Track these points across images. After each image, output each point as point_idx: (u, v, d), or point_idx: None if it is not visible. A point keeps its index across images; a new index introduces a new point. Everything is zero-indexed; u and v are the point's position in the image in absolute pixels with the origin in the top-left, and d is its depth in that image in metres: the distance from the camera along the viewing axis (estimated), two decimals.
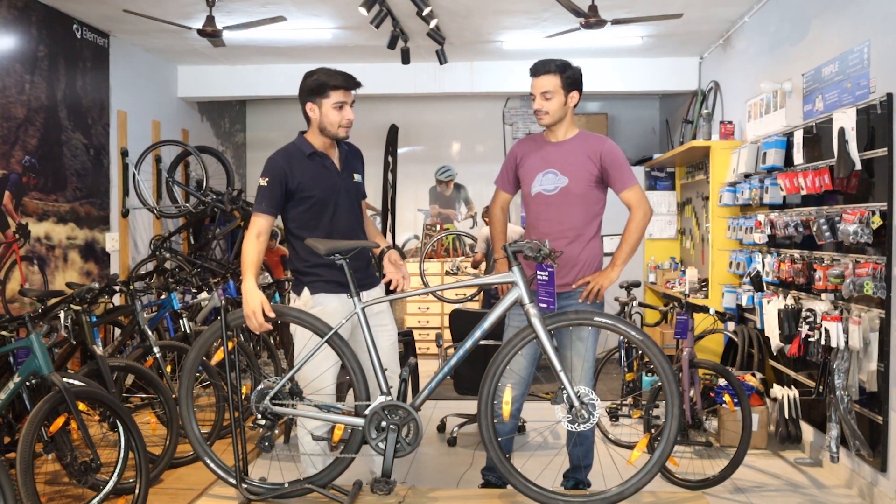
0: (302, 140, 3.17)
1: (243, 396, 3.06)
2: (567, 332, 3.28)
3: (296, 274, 3.22)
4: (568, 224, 3.34)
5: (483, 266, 6.39)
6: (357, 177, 3.26)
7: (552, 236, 3.24)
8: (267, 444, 2.91)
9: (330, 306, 3.09)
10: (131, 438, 3.35)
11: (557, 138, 3.41)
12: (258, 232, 3.04)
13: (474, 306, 6.69)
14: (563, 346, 3.30)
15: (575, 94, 3.34)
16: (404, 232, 8.91)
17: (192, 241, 7.18)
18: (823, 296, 3.98)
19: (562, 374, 2.79)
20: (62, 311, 3.83)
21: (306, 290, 3.14)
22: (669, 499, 3.04)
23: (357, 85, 3.12)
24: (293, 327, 3.15)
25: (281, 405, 2.93)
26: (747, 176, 5.10)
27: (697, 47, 6.72)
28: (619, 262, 3.29)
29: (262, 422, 2.91)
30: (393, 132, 8.51)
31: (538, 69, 3.33)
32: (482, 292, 6.77)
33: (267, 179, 3.05)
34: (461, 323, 4.60)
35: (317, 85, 3.07)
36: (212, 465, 3.03)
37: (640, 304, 5.44)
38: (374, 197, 8.14)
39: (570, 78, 3.32)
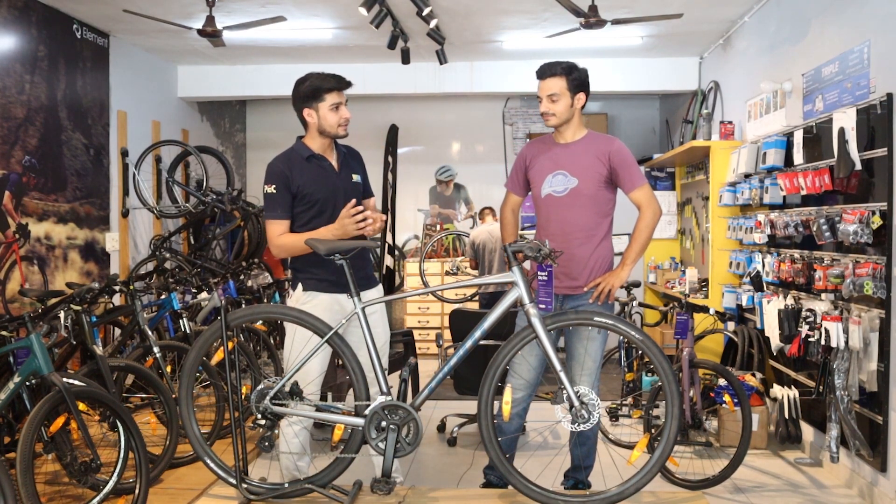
0: (300, 144, 3.26)
1: (243, 396, 3.06)
2: (583, 331, 3.28)
3: (293, 271, 3.29)
4: (579, 225, 3.34)
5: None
6: (356, 177, 3.31)
7: (563, 238, 3.25)
8: (267, 444, 2.92)
9: (323, 303, 3.15)
10: (131, 438, 3.35)
11: (566, 140, 3.41)
12: (280, 233, 3.15)
13: (474, 306, 6.69)
14: (578, 345, 3.31)
15: (582, 95, 3.35)
16: (404, 232, 8.90)
17: (192, 241, 7.18)
18: (823, 296, 3.98)
19: (562, 374, 2.79)
20: (62, 311, 3.83)
21: (300, 287, 3.22)
22: (669, 499, 3.04)
23: (348, 84, 3.20)
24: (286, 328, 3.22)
25: (281, 405, 2.93)
26: (747, 176, 5.10)
27: (697, 47, 6.72)
28: (629, 261, 3.30)
29: (262, 422, 2.91)
30: (393, 132, 8.48)
31: (544, 71, 3.33)
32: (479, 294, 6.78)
33: (274, 186, 3.14)
34: (461, 323, 4.60)
35: (311, 90, 3.15)
36: (212, 465, 3.03)
37: (640, 304, 5.44)
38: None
39: (577, 80, 3.32)
